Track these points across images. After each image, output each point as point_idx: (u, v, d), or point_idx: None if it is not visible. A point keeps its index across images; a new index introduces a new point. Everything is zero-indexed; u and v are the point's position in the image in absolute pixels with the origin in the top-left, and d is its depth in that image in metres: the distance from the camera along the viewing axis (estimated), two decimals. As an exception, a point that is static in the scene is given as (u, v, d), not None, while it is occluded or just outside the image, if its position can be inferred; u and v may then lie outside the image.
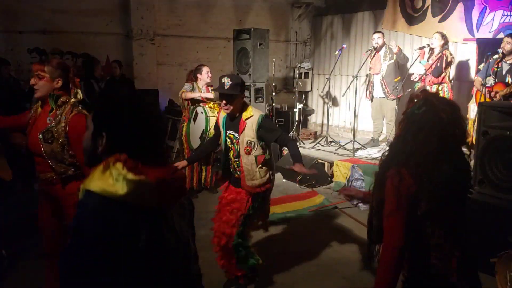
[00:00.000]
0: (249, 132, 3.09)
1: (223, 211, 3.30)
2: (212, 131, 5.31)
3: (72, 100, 2.75)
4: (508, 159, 3.49)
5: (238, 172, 3.25)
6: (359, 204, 5.24)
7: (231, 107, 3.08)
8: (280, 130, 3.25)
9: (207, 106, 5.43)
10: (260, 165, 3.15)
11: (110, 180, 1.20)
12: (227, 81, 3.03)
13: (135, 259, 1.22)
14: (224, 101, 3.07)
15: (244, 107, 3.16)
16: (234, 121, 3.17)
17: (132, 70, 7.90)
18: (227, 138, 3.25)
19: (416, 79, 6.10)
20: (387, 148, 1.89)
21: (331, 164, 6.28)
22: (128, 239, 1.20)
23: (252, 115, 3.10)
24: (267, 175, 3.21)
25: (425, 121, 1.72)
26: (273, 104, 7.20)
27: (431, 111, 1.72)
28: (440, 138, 1.70)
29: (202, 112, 5.43)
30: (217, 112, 5.32)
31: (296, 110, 7.42)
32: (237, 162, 3.21)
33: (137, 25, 7.76)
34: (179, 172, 1.47)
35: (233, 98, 3.05)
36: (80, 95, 2.81)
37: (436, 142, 1.69)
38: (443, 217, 1.71)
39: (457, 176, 1.76)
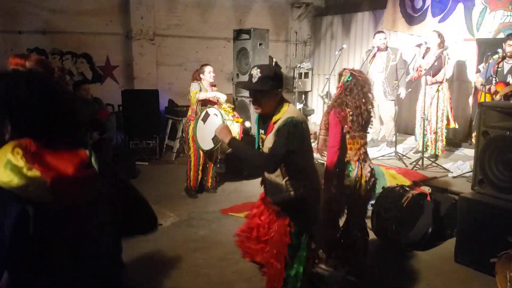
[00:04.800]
0: (272, 137, 2.43)
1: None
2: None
3: None
4: (508, 159, 3.48)
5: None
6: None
7: (260, 108, 2.46)
8: (283, 145, 2.36)
9: (222, 109, 5.32)
10: (287, 177, 2.50)
11: (2, 169, 1.20)
12: (256, 73, 2.39)
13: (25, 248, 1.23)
14: (251, 99, 2.49)
15: (279, 106, 2.45)
16: (266, 122, 2.53)
17: (132, 70, 7.90)
18: (259, 138, 2.65)
19: (412, 78, 6.17)
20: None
21: (331, 164, 6.26)
22: (17, 228, 1.20)
23: (282, 118, 2.41)
24: (299, 190, 2.51)
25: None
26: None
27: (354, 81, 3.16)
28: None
29: (215, 114, 5.15)
30: (232, 116, 5.29)
31: (296, 110, 7.42)
32: None
33: (137, 25, 7.76)
34: (90, 170, 1.39)
35: (262, 94, 2.41)
36: None
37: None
38: None
39: None
